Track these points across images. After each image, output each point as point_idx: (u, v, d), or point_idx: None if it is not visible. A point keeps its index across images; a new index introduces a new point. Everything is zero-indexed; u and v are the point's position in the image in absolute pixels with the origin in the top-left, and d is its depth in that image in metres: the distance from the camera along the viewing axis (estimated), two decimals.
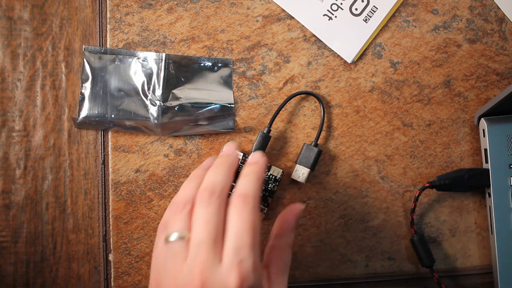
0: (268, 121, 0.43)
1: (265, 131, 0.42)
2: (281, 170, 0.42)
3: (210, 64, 0.43)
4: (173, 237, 0.31)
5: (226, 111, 0.43)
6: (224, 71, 0.43)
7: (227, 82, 0.43)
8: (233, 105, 0.43)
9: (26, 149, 0.43)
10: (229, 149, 0.37)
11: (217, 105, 0.43)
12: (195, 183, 0.34)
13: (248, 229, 0.30)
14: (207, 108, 0.43)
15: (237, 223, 0.31)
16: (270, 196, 0.42)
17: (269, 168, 0.42)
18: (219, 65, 0.43)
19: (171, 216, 0.33)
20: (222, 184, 0.32)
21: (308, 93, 0.43)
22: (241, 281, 0.29)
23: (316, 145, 0.42)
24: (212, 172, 0.33)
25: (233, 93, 0.43)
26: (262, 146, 0.42)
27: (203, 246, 0.30)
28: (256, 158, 0.35)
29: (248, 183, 0.33)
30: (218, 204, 0.31)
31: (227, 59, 0.43)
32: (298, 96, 0.44)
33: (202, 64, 0.43)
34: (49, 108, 0.43)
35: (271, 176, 0.42)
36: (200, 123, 0.42)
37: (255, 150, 0.41)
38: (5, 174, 0.43)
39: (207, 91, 0.43)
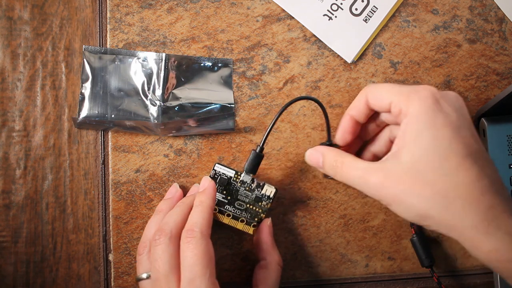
0: (269, 122, 0.43)
1: (257, 150, 0.40)
2: (275, 189, 0.40)
3: (210, 64, 0.43)
4: (140, 277, 0.37)
5: (226, 111, 0.43)
6: (224, 71, 0.43)
7: (227, 82, 0.43)
8: (233, 105, 0.43)
9: (26, 149, 0.43)
10: (203, 184, 0.40)
11: (217, 105, 0.43)
12: (157, 220, 0.39)
13: (197, 260, 0.34)
14: (207, 108, 0.43)
15: (187, 257, 0.34)
16: (263, 213, 0.40)
17: (262, 187, 0.40)
18: (219, 65, 0.43)
19: (138, 256, 0.38)
20: (173, 224, 0.36)
21: (306, 98, 0.41)
22: None
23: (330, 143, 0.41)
24: (172, 212, 0.38)
25: (233, 93, 0.43)
26: (254, 166, 0.40)
27: (161, 281, 0.34)
28: (204, 185, 0.39)
29: (196, 215, 0.36)
30: (166, 243, 0.35)
31: (227, 59, 0.43)
32: (298, 95, 0.44)
33: (202, 64, 0.43)
34: (49, 108, 0.43)
35: (263, 196, 0.40)
36: (200, 123, 0.42)
37: (246, 170, 0.40)
38: (5, 174, 0.43)
39: (207, 91, 0.43)
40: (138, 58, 0.43)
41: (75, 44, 0.44)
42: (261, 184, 0.40)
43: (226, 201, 0.40)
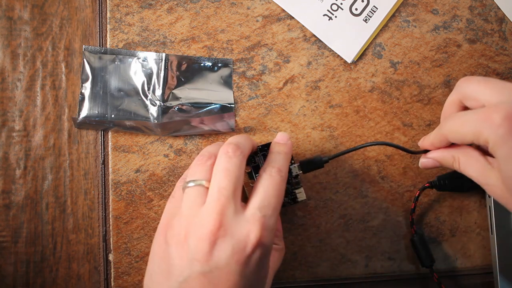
0: (269, 122, 0.43)
1: (323, 158, 0.39)
2: (305, 198, 0.40)
3: (210, 64, 0.43)
4: (191, 183, 0.32)
5: (226, 111, 0.43)
6: (224, 71, 0.43)
7: (227, 82, 0.43)
8: (233, 105, 0.43)
9: (26, 149, 0.43)
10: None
11: (217, 105, 0.43)
12: (219, 147, 0.35)
13: (277, 195, 0.32)
14: (207, 108, 0.43)
15: (269, 186, 0.32)
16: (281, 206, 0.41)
17: (298, 187, 0.40)
18: (219, 65, 0.43)
19: (193, 167, 0.34)
20: (245, 145, 0.34)
21: (380, 144, 0.40)
22: (261, 235, 0.30)
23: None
24: (236, 136, 0.36)
25: (233, 93, 0.43)
26: (309, 166, 0.39)
27: (224, 192, 0.31)
28: (284, 139, 0.37)
29: (281, 159, 0.35)
30: (241, 159, 0.33)
31: (227, 59, 0.43)
32: (298, 96, 0.44)
33: (202, 64, 0.43)
34: (49, 108, 0.43)
35: (292, 194, 0.40)
36: (200, 123, 0.42)
37: (300, 163, 0.39)
38: (5, 174, 0.43)
39: (207, 91, 0.43)
40: (138, 58, 0.43)
41: (75, 44, 0.44)
42: (300, 185, 0.40)
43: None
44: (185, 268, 0.30)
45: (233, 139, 0.35)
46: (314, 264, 0.43)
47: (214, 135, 0.43)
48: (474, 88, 0.34)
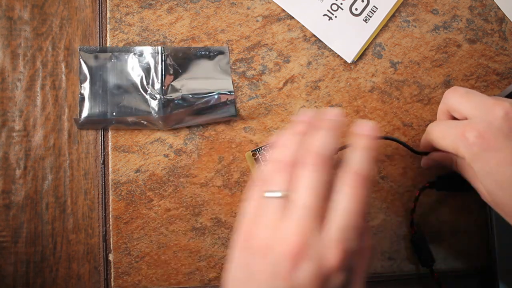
0: (269, 122, 0.43)
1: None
2: None
3: (206, 53, 0.43)
4: (273, 193, 0.30)
5: (227, 99, 0.43)
6: (221, 59, 0.43)
7: (225, 70, 0.43)
8: (233, 92, 0.43)
9: (26, 149, 0.43)
10: (335, 113, 0.33)
11: (217, 94, 0.43)
12: (298, 140, 0.32)
13: (360, 212, 0.29)
14: (207, 97, 0.43)
15: (351, 203, 0.29)
16: None
17: None
18: (215, 53, 0.43)
19: (273, 172, 0.31)
20: (331, 151, 0.31)
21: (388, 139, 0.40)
22: (342, 259, 0.28)
23: None
24: (321, 135, 0.31)
25: (232, 80, 0.43)
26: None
27: (307, 211, 0.29)
28: (369, 131, 0.32)
29: (366, 161, 0.31)
30: (326, 172, 0.30)
31: (223, 47, 0.43)
32: (298, 96, 0.44)
33: (198, 54, 0.43)
34: (49, 108, 0.43)
35: None
36: (201, 112, 0.42)
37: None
38: (5, 174, 0.43)
39: (205, 80, 0.43)
40: (135, 54, 0.43)
41: (75, 44, 0.44)
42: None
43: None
44: (266, 281, 0.29)
45: (317, 141, 0.31)
46: None
47: (214, 135, 0.43)
48: (456, 101, 0.36)
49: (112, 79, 0.43)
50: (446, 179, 0.42)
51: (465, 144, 0.34)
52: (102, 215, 0.43)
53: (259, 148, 0.42)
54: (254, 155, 0.42)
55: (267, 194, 0.31)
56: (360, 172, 0.30)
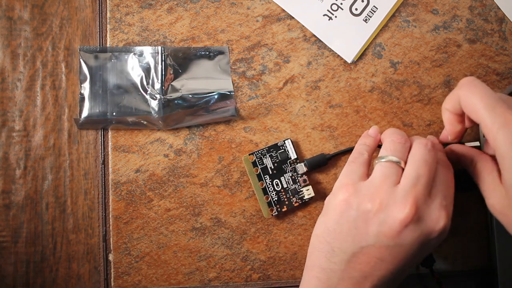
0: (269, 122, 0.43)
1: (327, 155, 0.42)
2: (313, 195, 0.42)
3: (206, 53, 0.43)
4: (388, 158, 0.35)
5: (227, 99, 0.43)
6: (221, 59, 0.43)
7: (225, 70, 0.43)
8: (232, 92, 0.43)
9: (26, 149, 0.43)
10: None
11: (217, 94, 0.43)
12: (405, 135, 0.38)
13: (453, 188, 0.36)
14: (207, 97, 0.43)
15: (447, 179, 0.36)
16: (287, 206, 0.42)
17: (305, 186, 0.42)
18: (215, 53, 0.43)
19: (390, 143, 0.36)
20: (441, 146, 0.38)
21: None
22: (447, 222, 0.34)
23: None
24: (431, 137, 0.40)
25: (232, 80, 0.43)
26: (314, 164, 0.42)
27: (422, 180, 0.34)
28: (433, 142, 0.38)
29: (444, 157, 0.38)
30: (435, 156, 0.35)
31: (223, 47, 0.43)
32: (298, 96, 0.44)
33: (198, 54, 0.43)
34: (49, 108, 0.43)
35: (300, 193, 0.42)
36: (201, 112, 0.42)
37: (306, 162, 0.42)
38: (5, 174, 0.43)
39: (205, 80, 0.43)
40: (135, 54, 0.43)
41: (75, 44, 0.44)
42: (306, 182, 0.42)
43: (270, 173, 0.42)
44: (370, 237, 0.33)
45: (429, 138, 0.38)
46: None
47: (214, 135, 0.43)
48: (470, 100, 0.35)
49: (112, 79, 0.43)
50: None
51: (503, 111, 0.32)
52: (102, 215, 0.43)
53: (256, 152, 0.42)
54: (251, 158, 0.42)
55: (384, 159, 0.35)
56: (447, 162, 0.37)
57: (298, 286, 0.43)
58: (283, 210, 0.42)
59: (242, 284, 0.43)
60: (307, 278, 0.36)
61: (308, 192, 0.42)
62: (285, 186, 0.42)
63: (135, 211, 0.43)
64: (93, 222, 0.43)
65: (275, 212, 0.42)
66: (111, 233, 0.43)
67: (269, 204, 0.42)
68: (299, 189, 0.42)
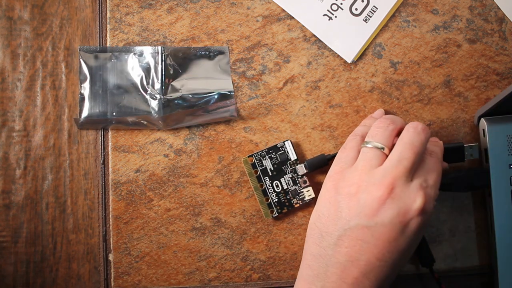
0: (269, 122, 0.43)
1: (327, 155, 0.42)
2: (314, 195, 0.42)
3: (206, 53, 0.43)
4: (372, 144, 0.36)
5: (226, 99, 0.43)
6: (221, 59, 0.43)
7: (225, 70, 0.43)
8: (232, 92, 0.43)
9: (26, 149, 0.43)
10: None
11: (217, 94, 0.43)
12: (398, 118, 0.38)
13: (438, 175, 0.36)
14: (207, 98, 0.43)
15: (434, 166, 0.36)
16: (287, 208, 0.42)
17: (305, 187, 0.42)
18: (215, 53, 0.43)
19: (373, 129, 0.37)
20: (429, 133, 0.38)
21: None
22: (425, 202, 0.34)
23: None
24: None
25: (232, 80, 0.43)
26: (314, 165, 0.42)
27: (405, 163, 0.35)
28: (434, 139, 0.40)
29: (437, 148, 0.38)
30: (427, 139, 0.36)
31: (223, 47, 0.43)
32: (298, 96, 0.44)
33: (198, 54, 0.43)
34: (49, 108, 0.43)
35: (300, 194, 0.42)
36: (201, 112, 0.42)
37: (306, 163, 0.41)
38: (5, 174, 0.43)
39: (205, 80, 0.43)
40: (135, 54, 0.43)
41: (75, 44, 0.44)
42: (307, 183, 0.42)
43: (270, 175, 0.42)
44: (352, 218, 0.34)
45: (415, 122, 0.38)
46: None
47: (214, 135, 0.43)
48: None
49: (112, 79, 0.43)
50: (446, 179, 0.42)
51: None
52: (102, 215, 0.43)
53: (255, 153, 0.42)
54: (250, 160, 0.42)
55: (368, 145, 0.36)
56: (433, 151, 0.38)
57: None
58: (284, 211, 0.42)
59: (242, 284, 0.43)
60: (301, 268, 0.37)
61: (308, 193, 0.42)
62: (285, 187, 0.42)
63: (135, 211, 0.43)
64: (93, 222, 0.43)
65: (275, 213, 0.42)
66: (111, 233, 0.43)
67: (269, 205, 0.42)
68: (299, 190, 0.42)
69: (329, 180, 0.37)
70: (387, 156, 0.36)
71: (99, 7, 0.44)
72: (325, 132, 0.44)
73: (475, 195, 0.44)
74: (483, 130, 0.42)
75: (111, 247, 0.43)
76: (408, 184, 0.35)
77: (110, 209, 0.43)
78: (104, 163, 0.43)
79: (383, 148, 0.36)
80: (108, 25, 0.44)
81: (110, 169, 0.43)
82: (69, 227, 0.43)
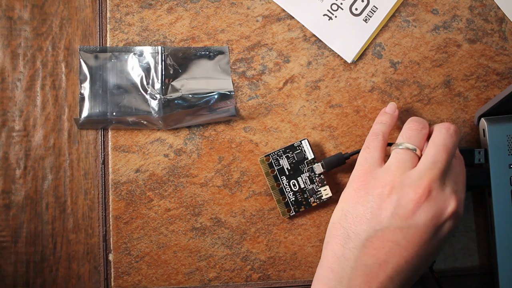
0: (269, 122, 0.43)
1: (345, 154, 0.42)
2: (330, 194, 0.42)
3: (206, 53, 0.43)
4: (405, 145, 0.36)
5: (226, 99, 0.43)
6: (221, 59, 0.43)
7: (225, 70, 0.43)
8: (232, 92, 0.43)
9: (26, 149, 0.43)
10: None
11: (217, 94, 0.43)
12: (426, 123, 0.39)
13: (465, 177, 0.37)
14: (207, 97, 0.43)
15: (460, 169, 0.37)
16: (305, 207, 0.42)
17: (323, 186, 0.42)
18: (215, 53, 0.43)
19: (406, 131, 0.38)
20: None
21: None
22: (458, 205, 0.35)
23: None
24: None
25: (232, 80, 0.43)
26: (331, 164, 0.41)
27: (439, 165, 0.35)
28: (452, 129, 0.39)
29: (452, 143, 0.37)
30: (458, 140, 0.37)
31: (223, 47, 0.43)
32: (298, 96, 0.44)
33: (198, 54, 0.43)
34: (49, 108, 0.43)
35: (317, 193, 0.42)
36: (201, 112, 0.42)
37: (323, 162, 0.41)
38: (5, 174, 0.43)
39: (205, 80, 0.43)
40: (135, 54, 0.43)
41: (75, 44, 0.44)
42: (324, 182, 0.42)
43: (287, 174, 0.42)
44: (385, 219, 0.34)
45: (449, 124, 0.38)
46: (314, 264, 0.43)
47: (214, 135, 0.43)
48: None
49: (112, 79, 0.43)
50: None
51: None
52: (102, 215, 0.43)
53: (272, 153, 0.42)
54: (267, 159, 0.42)
55: (401, 146, 0.36)
56: (458, 154, 0.38)
57: (298, 286, 0.43)
58: (301, 210, 0.42)
59: (242, 284, 0.43)
60: (320, 271, 0.35)
61: (325, 192, 0.42)
62: (302, 186, 0.42)
63: (135, 211, 0.43)
64: (93, 222, 0.43)
65: (292, 212, 0.42)
66: (111, 233, 0.43)
67: (286, 204, 0.42)
68: (316, 189, 0.42)
69: (357, 180, 0.36)
70: (419, 158, 0.36)
71: (99, 7, 0.44)
72: (325, 132, 0.44)
73: (475, 195, 0.44)
74: (483, 130, 0.42)
75: (111, 247, 0.43)
76: (443, 187, 0.35)
77: (110, 209, 0.43)
78: (104, 163, 0.43)
79: (415, 150, 0.36)
80: (108, 25, 0.44)
81: (110, 169, 0.43)
82: (69, 227, 0.43)
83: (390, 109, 0.41)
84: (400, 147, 0.37)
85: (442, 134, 0.36)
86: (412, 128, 0.38)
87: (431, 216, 0.34)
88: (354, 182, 0.37)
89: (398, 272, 0.33)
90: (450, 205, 0.34)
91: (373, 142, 0.38)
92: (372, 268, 0.33)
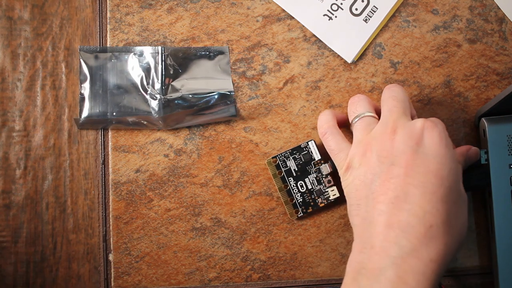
0: (269, 122, 0.43)
1: None
2: (338, 195, 0.42)
3: (206, 53, 0.43)
4: (357, 116, 0.40)
5: (227, 99, 0.43)
6: (221, 59, 0.43)
7: (225, 70, 0.43)
8: (233, 92, 0.43)
9: (26, 149, 0.43)
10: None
11: (217, 94, 0.43)
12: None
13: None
14: (208, 98, 0.43)
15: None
16: (313, 208, 0.42)
17: (330, 186, 0.42)
18: (215, 53, 0.43)
19: (350, 106, 0.42)
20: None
21: None
22: (425, 121, 0.36)
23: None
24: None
25: (232, 80, 0.43)
26: None
27: (395, 109, 0.38)
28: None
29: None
30: (401, 89, 0.40)
31: (223, 47, 0.44)
32: (298, 96, 0.44)
33: (198, 54, 0.43)
34: (49, 108, 0.43)
35: (325, 193, 0.42)
36: (202, 112, 0.42)
37: (331, 162, 0.42)
38: (5, 174, 0.43)
39: (205, 80, 0.43)
40: (135, 54, 0.43)
41: (75, 44, 0.44)
42: (331, 183, 0.42)
43: (294, 175, 0.42)
44: (373, 171, 0.36)
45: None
46: (314, 264, 0.43)
47: (214, 135, 0.43)
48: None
49: (112, 79, 0.43)
50: None
51: None
52: (102, 215, 0.43)
53: (279, 154, 0.42)
54: (274, 161, 0.42)
55: (356, 118, 0.40)
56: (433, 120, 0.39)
57: (298, 286, 0.43)
58: (309, 211, 0.42)
59: (242, 284, 0.43)
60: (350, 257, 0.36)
61: (333, 193, 0.42)
62: (309, 187, 0.42)
63: (135, 211, 0.43)
64: (93, 222, 0.43)
65: (300, 213, 0.42)
66: (111, 233, 0.43)
67: (294, 205, 0.42)
68: (324, 189, 0.42)
69: (345, 170, 0.39)
70: (377, 120, 0.39)
71: (99, 7, 0.44)
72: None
73: (475, 195, 0.44)
74: (483, 130, 0.42)
75: (111, 247, 0.43)
76: (408, 119, 0.37)
77: (110, 209, 0.43)
78: (104, 163, 0.43)
79: (366, 114, 0.39)
80: (108, 25, 0.44)
81: (110, 169, 0.43)
82: (69, 227, 0.43)
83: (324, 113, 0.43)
84: (355, 121, 0.40)
85: (385, 91, 0.39)
86: (351, 103, 0.41)
87: (407, 137, 0.36)
88: (344, 176, 0.39)
89: (414, 204, 0.34)
90: (418, 121, 0.36)
91: (329, 139, 0.40)
92: (391, 199, 0.35)
